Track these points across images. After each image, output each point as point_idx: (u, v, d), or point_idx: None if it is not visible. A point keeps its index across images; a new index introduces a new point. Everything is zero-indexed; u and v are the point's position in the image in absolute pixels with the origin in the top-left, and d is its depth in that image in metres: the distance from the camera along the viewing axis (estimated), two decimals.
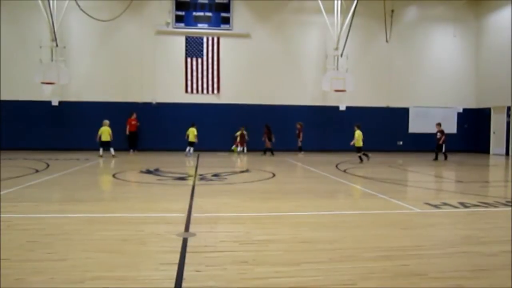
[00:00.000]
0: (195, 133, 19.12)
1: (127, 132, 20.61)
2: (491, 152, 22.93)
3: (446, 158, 18.44)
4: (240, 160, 18.11)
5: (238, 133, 21.31)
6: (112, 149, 17.64)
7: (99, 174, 12.91)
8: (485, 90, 23.56)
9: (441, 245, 5.15)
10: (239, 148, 21.19)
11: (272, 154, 20.10)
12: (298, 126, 21.03)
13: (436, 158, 18.44)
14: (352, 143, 16.79)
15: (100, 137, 17.73)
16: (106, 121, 18.08)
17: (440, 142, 18.53)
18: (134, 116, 20.84)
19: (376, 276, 3.98)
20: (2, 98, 20.52)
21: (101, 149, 17.79)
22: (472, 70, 24.25)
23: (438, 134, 18.67)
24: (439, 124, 18.94)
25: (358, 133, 16.60)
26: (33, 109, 20.89)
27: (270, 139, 20.43)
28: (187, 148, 19.05)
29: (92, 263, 4.25)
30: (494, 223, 6.49)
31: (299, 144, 20.99)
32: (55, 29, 20.09)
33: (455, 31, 23.91)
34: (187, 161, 16.68)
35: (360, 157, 16.72)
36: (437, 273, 4.11)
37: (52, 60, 20.51)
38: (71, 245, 4.87)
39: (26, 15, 20.71)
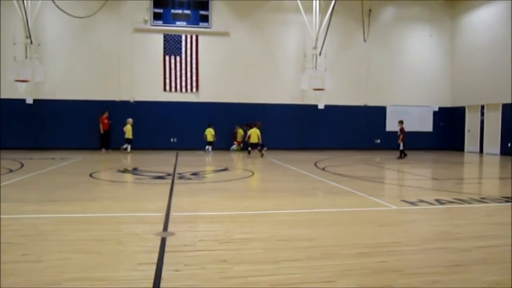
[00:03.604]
0: (213, 132, 20.43)
1: (102, 131, 20.31)
2: (465, 150, 23.42)
3: (401, 156, 17.94)
4: (220, 158, 18.05)
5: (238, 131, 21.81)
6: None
7: (75, 173, 12.65)
8: (460, 89, 24.04)
9: (417, 241, 5.24)
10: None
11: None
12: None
13: (400, 157, 18.01)
14: (246, 140, 18.73)
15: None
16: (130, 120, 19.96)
17: (399, 140, 18.25)
18: (106, 114, 20.52)
19: (355, 273, 4.02)
20: None
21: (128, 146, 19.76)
22: (448, 69, 24.72)
23: (398, 131, 18.48)
24: (401, 122, 18.58)
25: (251, 131, 18.53)
26: (6, 107, 20.36)
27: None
28: (206, 147, 20.19)
29: (68, 264, 4.18)
30: (469, 219, 6.63)
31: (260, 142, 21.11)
32: (30, 26, 19.62)
33: (431, 31, 24.33)
34: (166, 160, 16.53)
35: (260, 150, 18.39)
36: (414, 269, 4.18)
37: (26, 57, 20.01)
38: (47, 246, 4.78)
39: None
